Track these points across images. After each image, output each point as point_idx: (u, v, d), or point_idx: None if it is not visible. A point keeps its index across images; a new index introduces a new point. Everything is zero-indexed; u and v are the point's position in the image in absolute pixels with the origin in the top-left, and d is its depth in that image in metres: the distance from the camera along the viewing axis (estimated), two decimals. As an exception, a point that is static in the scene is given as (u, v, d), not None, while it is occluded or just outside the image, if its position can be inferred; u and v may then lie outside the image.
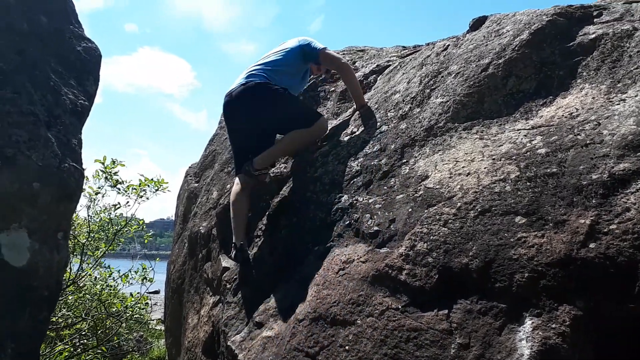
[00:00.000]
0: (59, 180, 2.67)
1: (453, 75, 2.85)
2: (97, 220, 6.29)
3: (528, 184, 1.99)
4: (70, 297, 5.54)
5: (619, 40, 2.37)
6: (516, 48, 2.64)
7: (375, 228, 2.38)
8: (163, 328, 6.85)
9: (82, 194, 3.63)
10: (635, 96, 2.05)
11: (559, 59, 2.52)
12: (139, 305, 6.00)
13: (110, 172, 5.44)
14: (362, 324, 2.07)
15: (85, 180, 3.05)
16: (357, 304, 2.15)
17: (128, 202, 5.87)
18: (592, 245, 1.69)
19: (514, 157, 2.14)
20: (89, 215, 5.97)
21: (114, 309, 5.84)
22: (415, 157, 2.59)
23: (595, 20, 2.63)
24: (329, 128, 3.49)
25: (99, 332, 5.66)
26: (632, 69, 2.21)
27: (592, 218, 1.74)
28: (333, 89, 4.19)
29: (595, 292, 1.65)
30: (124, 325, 6.25)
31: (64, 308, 5.50)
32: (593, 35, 2.48)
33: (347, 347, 2.04)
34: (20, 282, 2.49)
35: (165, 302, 5.27)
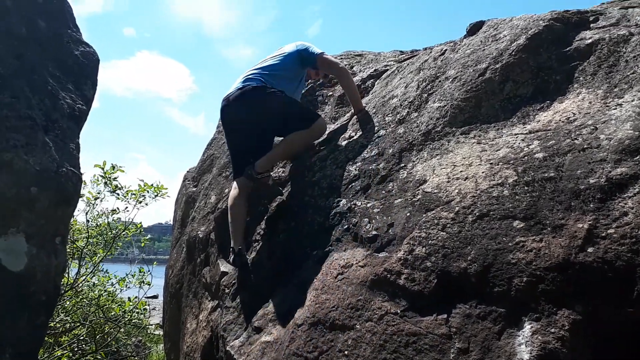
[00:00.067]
0: (57, 184, 2.67)
1: (450, 79, 2.86)
2: (95, 225, 6.28)
3: (526, 188, 2.00)
4: (68, 302, 5.53)
5: (616, 45, 2.38)
6: (513, 53, 2.65)
7: (374, 232, 2.38)
8: (161, 333, 6.83)
9: (81, 198, 3.63)
10: (632, 101, 2.06)
11: (556, 64, 2.53)
12: (137, 310, 5.99)
13: (110, 178, 5.44)
14: (361, 328, 2.07)
15: (83, 185, 3.05)
16: (356, 308, 2.15)
17: (127, 207, 5.88)
18: (590, 250, 1.70)
19: (511, 162, 2.15)
20: (87, 220, 5.97)
21: (112, 314, 5.83)
22: (413, 161, 2.60)
23: (591, 25, 2.64)
24: (327, 133, 3.50)
25: (97, 337, 5.64)
26: (628, 73, 2.22)
27: (590, 222, 1.75)
28: (331, 93, 4.20)
29: (594, 296, 1.66)
30: (122, 330, 6.23)
31: (62, 313, 5.49)
32: (589, 40, 2.50)
33: (346, 352, 2.04)
34: (18, 286, 2.48)
35: (164, 307, 5.25)
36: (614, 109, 2.09)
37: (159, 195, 5.86)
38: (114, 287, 6.22)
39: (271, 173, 3.45)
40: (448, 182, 2.29)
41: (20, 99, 2.63)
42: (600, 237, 1.70)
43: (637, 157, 1.81)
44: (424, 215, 2.22)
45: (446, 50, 3.24)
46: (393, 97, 3.21)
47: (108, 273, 6.17)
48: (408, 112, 2.95)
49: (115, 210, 6.10)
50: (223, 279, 3.29)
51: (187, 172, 5.47)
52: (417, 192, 2.37)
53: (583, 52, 2.48)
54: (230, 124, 3.48)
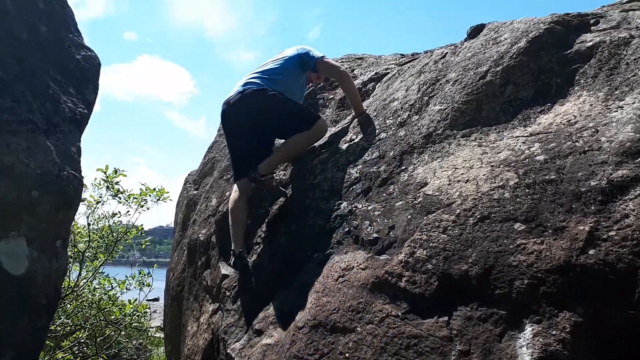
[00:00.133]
0: (58, 188, 2.67)
1: (451, 82, 2.86)
2: (96, 228, 6.28)
3: (527, 190, 2.00)
4: (69, 305, 5.53)
5: (616, 48, 2.39)
6: (514, 56, 2.65)
7: (375, 235, 2.38)
8: (162, 335, 6.83)
9: (82, 202, 3.63)
10: (633, 103, 2.06)
11: (557, 67, 2.54)
12: (137, 313, 5.98)
13: (112, 182, 5.45)
14: (362, 331, 2.06)
15: (84, 188, 3.05)
16: (357, 311, 2.14)
17: (128, 211, 5.88)
18: (591, 252, 1.70)
19: (512, 164, 2.15)
20: (88, 224, 5.97)
21: (112, 317, 5.82)
22: (414, 164, 2.60)
23: (592, 28, 2.64)
24: (328, 135, 3.50)
25: (98, 339, 5.64)
26: (629, 76, 2.22)
27: (591, 225, 1.75)
28: (332, 96, 4.20)
29: (595, 298, 1.65)
30: (123, 333, 6.22)
31: (63, 316, 5.49)
32: (590, 43, 2.50)
33: (347, 355, 2.04)
34: (19, 290, 2.49)
35: (165, 310, 5.25)
36: (615, 111, 2.09)
37: (160, 199, 5.87)
38: (114, 290, 6.22)
39: (274, 176, 3.46)
40: (449, 184, 2.29)
41: (22, 103, 2.63)
42: (601, 239, 1.70)
43: (638, 160, 1.81)
44: (425, 217, 2.22)
45: (447, 53, 3.25)
46: (394, 100, 3.21)
47: (109, 277, 6.15)
48: (409, 115, 2.95)
49: (116, 213, 6.11)
50: (224, 282, 3.29)
51: (188, 175, 5.47)
52: (418, 195, 2.37)
53: (584, 55, 2.49)
54: (231, 127, 3.49)
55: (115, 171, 5.47)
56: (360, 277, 2.25)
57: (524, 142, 2.24)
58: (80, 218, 5.99)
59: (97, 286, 6.16)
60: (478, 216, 2.04)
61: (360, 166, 2.87)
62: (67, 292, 5.14)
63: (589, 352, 1.63)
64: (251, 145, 3.39)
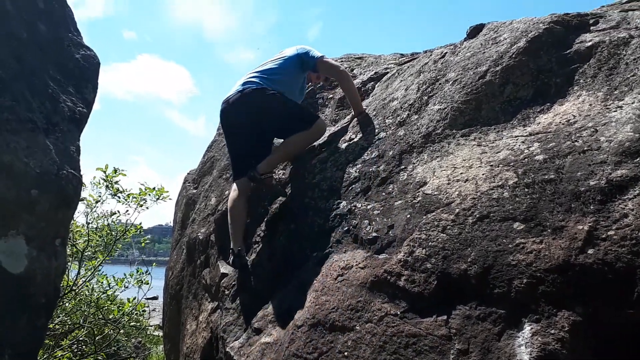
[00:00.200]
0: (57, 187, 2.67)
1: (451, 82, 2.86)
2: (95, 227, 6.28)
3: (526, 190, 2.00)
4: (67, 304, 5.53)
5: (616, 47, 2.39)
6: (513, 56, 2.66)
7: (374, 234, 2.38)
8: (161, 334, 6.82)
9: (81, 201, 3.63)
10: (632, 103, 2.06)
11: (556, 67, 2.54)
12: (136, 311, 5.98)
13: (111, 181, 5.45)
14: (361, 330, 2.07)
15: (83, 187, 3.05)
16: (355, 310, 2.15)
17: (128, 210, 5.88)
18: (590, 251, 1.70)
19: (511, 164, 2.15)
20: (87, 223, 5.97)
21: (111, 316, 5.82)
22: (414, 163, 2.60)
23: (591, 28, 2.65)
24: (327, 135, 3.50)
25: (97, 338, 5.64)
26: (628, 76, 2.23)
27: (590, 224, 1.75)
28: (331, 96, 4.21)
29: (594, 298, 1.66)
30: (122, 331, 6.22)
31: (62, 314, 5.49)
32: (590, 43, 2.50)
33: (346, 353, 2.04)
34: (18, 289, 2.48)
35: (164, 308, 5.25)
36: (614, 111, 2.09)
37: (160, 198, 5.87)
38: (112, 288, 6.22)
39: (273, 175, 3.46)
40: (448, 184, 2.29)
41: (21, 102, 2.63)
42: (600, 238, 1.71)
43: (638, 159, 1.81)
44: (424, 217, 2.23)
45: (446, 53, 3.25)
46: (393, 100, 3.21)
47: (107, 277, 6.15)
48: (408, 114, 2.95)
49: (115, 212, 6.11)
50: (223, 281, 3.29)
51: (188, 174, 5.47)
52: (417, 194, 2.37)
53: (583, 55, 2.49)
54: (230, 126, 3.49)
55: (115, 170, 5.47)
56: (359, 276, 2.25)
57: (523, 142, 2.25)
58: (79, 217, 5.99)
59: (95, 285, 6.16)
60: (477, 215, 2.04)
61: (360, 165, 2.87)
62: (66, 291, 5.14)
63: (587, 351, 1.63)
64: (250, 144, 3.39)
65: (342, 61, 4.52)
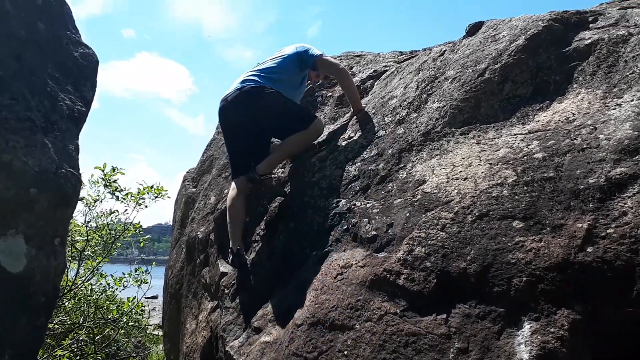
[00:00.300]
0: (56, 186, 2.67)
1: (450, 80, 2.86)
2: (94, 226, 6.28)
3: (525, 188, 2.00)
4: (67, 303, 5.52)
5: (615, 45, 2.39)
6: (512, 53, 2.65)
7: (373, 233, 2.38)
8: (161, 333, 6.83)
9: (80, 200, 3.63)
10: (631, 101, 2.06)
11: (555, 64, 2.53)
12: (135, 311, 5.98)
13: (110, 180, 5.45)
14: (361, 328, 2.07)
15: (82, 186, 3.05)
16: (355, 308, 2.15)
17: (126, 209, 5.88)
18: (589, 249, 1.70)
19: (511, 162, 2.15)
20: (86, 222, 5.97)
21: (110, 316, 5.82)
22: (413, 161, 2.60)
23: (590, 25, 2.64)
24: (326, 133, 3.50)
25: (97, 338, 5.64)
26: (627, 73, 2.22)
27: (589, 222, 1.75)
28: (330, 94, 4.20)
29: (593, 296, 1.66)
30: (122, 331, 6.22)
31: (61, 314, 5.48)
32: (589, 41, 2.50)
33: (345, 352, 2.04)
34: (17, 288, 2.48)
35: (164, 308, 5.25)
36: (613, 109, 2.09)
37: (159, 196, 5.87)
38: (111, 288, 6.22)
39: (273, 175, 3.46)
40: (447, 182, 2.29)
41: (20, 100, 2.63)
42: (599, 236, 1.70)
43: (637, 157, 1.81)
44: (423, 215, 2.22)
45: (445, 50, 3.24)
46: (392, 98, 3.21)
47: (105, 277, 6.14)
48: (407, 112, 2.95)
49: (114, 212, 6.11)
50: (222, 280, 3.29)
51: (187, 172, 5.47)
52: (416, 193, 2.37)
53: (582, 53, 2.49)
54: (229, 124, 3.49)
55: (113, 169, 5.46)
56: (358, 275, 2.25)
57: (522, 140, 2.25)
58: (78, 216, 5.99)
59: (93, 284, 6.16)
60: (476, 214, 2.04)
61: (359, 164, 2.87)
62: (65, 291, 5.14)
63: (587, 349, 1.64)
64: (249, 143, 3.38)
65: (341, 59, 4.52)
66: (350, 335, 2.08)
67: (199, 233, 4.06)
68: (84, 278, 5.69)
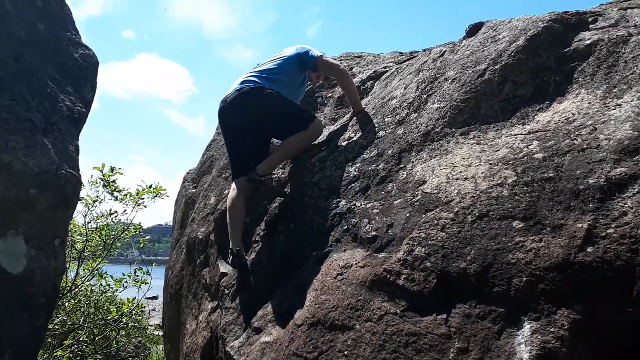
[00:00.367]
0: (56, 186, 2.67)
1: (450, 80, 2.86)
2: (94, 226, 6.28)
3: (525, 188, 2.00)
4: (67, 303, 5.52)
5: (615, 46, 2.39)
6: (512, 54, 2.65)
7: (373, 233, 2.38)
8: (161, 333, 6.83)
9: (80, 201, 3.63)
10: (631, 101, 2.06)
11: (555, 65, 2.54)
12: (135, 312, 5.98)
13: (108, 180, 5.44)
14: (361, 328, 2.07)
15: (82, 187, 3.05)
16: (355, 308, 2.15)
17: (125, 210, 5.88)
18: (589, 249, 1.70)
19: (511, 162, 2.15)
20: (86, 222, 5.97)
21: (109, 317, 5.82)
22: (413, 162, 2.60)
23: (590, 26, 2.64)
24: (326, 134, 3.50)
25: (97, 338, 5.64)
26: (627, 74, 2.22)
27: (589, 222, 1.75)
28: (330, 94, 4.20)
29: (593, 296, 1.66)
30: (122, 332, 6.22)
31: (61, 314, 5.48)
32: (588, 41, 2.50)
33: (345, 352, 2.04)
34: (17, 289, 2.48)
35: (164, 308, 5.25)
36: (613, 109, 2.09)
37: (157, 196, 5.86)
38: (111, 288, 6.22)
39: (273, 176, 3.46)
40: (447, 182, 2.29)
41: (19, 101, 2.63)
42: (599, 236, 1.71)
43: (637, 157, 1.81)
44: (423, 215, 2.23)
45: (445, 51, 3.25)
46: (392, 98, 3.21)
47: (105, 277, 6.14)
48: (407, 113, 2.95)
49: (114, 212, 6.11)
50: (223, 280, 3.29)
51: (187, 173, 5.47)
52: (416, 193, 2.37)
53: (582, 53, 2.49)
54: (228, 125, 3.49)
55: (112, 169, 5.46)
56: (358, 275, 2.25)
57: (522, 140, 2.25)
58: (78, 217, 5.99)
59: (93, 284, 6.15)
60: (476, 214, 2.04)
61: (359, 164, 2.87)
62: (65, 291, 5.13)
63: (587, 349, 1.64)
64: (248, 143, 3.38)
65: (341, 60, 4.52)
66: (351, 335, 2.08)
67: (199, 233, 4.06)
68: (83, 279, 5.69)
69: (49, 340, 5.16)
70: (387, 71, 3.86)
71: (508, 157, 2.19)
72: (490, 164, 2.22)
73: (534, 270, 1.76)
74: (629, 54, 2.31)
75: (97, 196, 5.75)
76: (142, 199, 5.79)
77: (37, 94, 2.76)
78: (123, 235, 6.11)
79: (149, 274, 6.14)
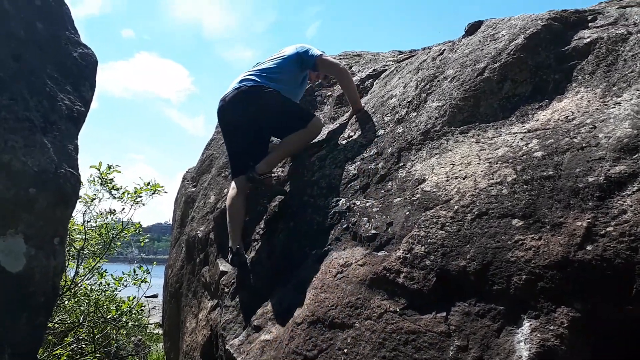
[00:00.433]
0: (56, 185, 2.67)
1: (449, 79, 2.86)
2: (94, 225, 6.27)
3: (525, 187, 2.00)
4: (67, 302, 5.52)
5: (614, 44, 2.39)
6: (512, 52, 2.66)
7: (373, 231, 2.39)
8: (161, 332, 6.83)
9: (78, 199, 3.63)
10: (631, 99, 2.06)
11: (554, 63, 2.54)
12: (135, 310, 5.98)
13: (106, 178, 5.44)
14: (361, 327, 2.07)
15: (81, 186, 3.05)
16: (355, 307, 2.15)
17: (124, 208, 5.87)
18: (589, 248, 1.70)
19: (510, 161, 2.15)
20: (85, 221, 5.96)
21: (109, 316, 5.82)
22: (412, 160, 2.60)
23: (590, 24, 2.65)
24: (326, 132, 3.50)
25: (97, 337, 5.64)
26: (627, 72, 2.23)
27: (589, 220, 1.75)
28: (330, 93, 4.20)
29: (593, 294, 1.66)
30: (122, 331, 6.22)
31: (61, 313, 5.48)
32: (588, 40, 2.50)
33: (345, 350, 2.05)
34: (17, 287, 2.49)
35: (163, 306, 5.26)
36: (613, 107, 2.09)
37: (155, 193, 5.85)
38: (111, 287, 6.22)
39: (272, 174, 3.46)
40: (447, 181, 2.29)
41: (19, 100, 2.63)
42: (599, 235, 1.71)
43: (636, 156, 1.81)
44: (423, 214, 2.23)
45: (445, 50, 3.24)
46: (392, 97, 3.21)
47: (105, 276, 6.14)
48: (407, 111, 2.95)
49: (112, 211, 6.10)
50: (222, 279, 3.29)
51: (187, 172, 5.47)
52: (416, 191, 2.37)
53: (581, 51, 2.49)
54: (227, 124, 3.49)
55: (109, 167, 5.46)
56: (358, 274, 2.26)
57: (521, 139, 2.25)
58: (77, 216, 5.99)
59: (93, 284, 6.15)
60: (476, 212, 2.04)
61: (358, 163, 2.87)
62: (65, 290, 5.14)
63: (586, 347, 1.64)
64: (248, 142, 3.38)
65: (340, 59, 4.52)
66: (350, 333, 2.08)
67: (198, 232, 4.06)
68: (83, 277, 5.69)
69: (49, 338, 5.17)
70: (386, 70, 3.86)
71: (507, 156, 2.19)
72: (490, 162, 2.22)
73: (533, 268, 1.77)
74: (628, 52, 2.31)
75: (95, 194, 5.74)
76: (140, 196, 5.79)
77: (36, 93, 2.76)
78: (123, 234, 6.10)
79: (149, 273, 6.13)
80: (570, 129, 2.11)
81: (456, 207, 2.12)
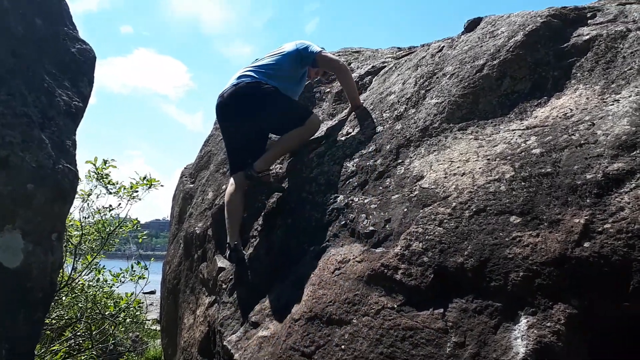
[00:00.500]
0: (53, 181, 2.66)
1: (448, 76, 2.86)
2: (91, 221, 6.26)
3: (523, 183, 2.00)
4: (64, 298, 5.52)
5: (613, 41, 2.39)
6: (511, 49, 2.65)
7: (371, 228, 2.39)
8: (159, 328, 6.83)
9: (76, 195, 3.63)
10: (629, 97, 2.07)
11: (553, 60, 2.54)
12: (132, 306, 5.98)
13: (101, 173, 5.42)
14: (358, 323, 2.07)
15: (79, 181, 3.05)
16: (353, 303, 2.15)
17: (120, 203, 5.86)
18: (586, 245, 1.70)
19: (508, 157, 2.15)
20: (82, 217, 5.95)
21: (107, 312, 5.82)
22: (411, 157, 2.60)
23: (589, 21, 2.64)
24: (324, 129, 3.50)
25: (94, 333, 5.64)
26: (625, 69, 2.23)
27: (586, 217, 1.75)
28: (328, 90, 4.20)
29: (590, 290, 1.66)
30: (120, 327, 6.22)
31: (59, 309, 5.48)
32: (587, 37, 2.50)
33: (343, 347, 2.05)
34: (15, 283, 2.48)
35: (161, 303, 5.26)
36: (611, 104, 2.09)
37: (151, 187, 5.84)
38: (109, 283, 6.21)
39: (270, 171, 3.45)
40: (445, 177, 2.29)
41: (16, 96, 2.62)
42: (596, 232, 1.71)
43: (634, 153, 1.81)
44: (421, 210, 2.23)
45: (444, 46, 3.24)
46: (390, 94, 3.21)
47: (102, 272, 6.13)
48: (405, 108, 2.95)
49: (110, 207, 6.09)
50: (220, 275, 3.29)
51: (185, 168, 5.46)
52: (414, 188, 2.37)
53: (580, 49, 2.49)
54: (226, 120, 3.48)
55: (105, 162, 5.44)
56: (356, 270, 2.26)
57: (520, 136, 2.25)
58: (75, 212, 5.98)
59: (91, 280, 6.14)
60: (474, 209, 2.05)
61: (357, 159, 2.87)
62: (62, 286, 5.13)
63: (583, 344, 1.64)
64: (246, 139, 3.38)
65: (339, 55, 4.51)
66: (348, 329, 2.08)
67: (196, 228, 4.06)
68: (80, 273, 5.68)
69: (47, 334, 5.16)
70: (385, 66, 3.85)
71: (506, 153, 2.19)
72: (488, 159, 2.22)
73: (530, 265, 1.77)
74: (627, 49, 2.31)
75: (91, 189, 5.72)
76: (137, 191, 5.77)
77: (34, 89, 2.75)
78: (120, 230, 6.09)
79: (147, 269, 6.12)
80: (569, 126, 2.11)
81: (454, 203, 2.13)
